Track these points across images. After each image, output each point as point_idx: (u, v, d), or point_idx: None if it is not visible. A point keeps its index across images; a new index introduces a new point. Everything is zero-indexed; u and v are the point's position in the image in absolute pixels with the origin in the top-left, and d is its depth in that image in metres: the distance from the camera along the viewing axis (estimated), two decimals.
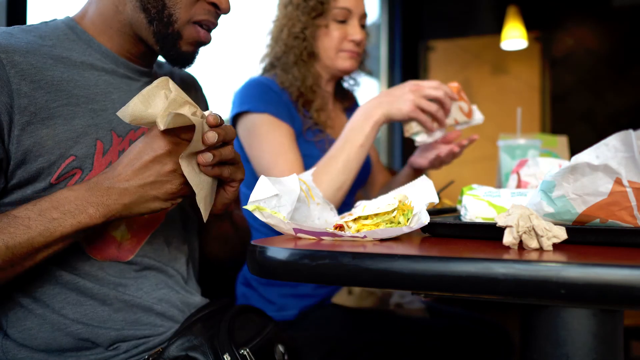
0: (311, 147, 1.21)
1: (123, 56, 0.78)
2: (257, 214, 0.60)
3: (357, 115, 1.02)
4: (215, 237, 0.92)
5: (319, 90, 1.26)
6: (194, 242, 0.91)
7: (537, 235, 0.48)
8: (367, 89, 3.41)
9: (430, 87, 1.01)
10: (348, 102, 1.42)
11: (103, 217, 0.63)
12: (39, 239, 0.61)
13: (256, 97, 1.15)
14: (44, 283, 0.69)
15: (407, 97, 0.99)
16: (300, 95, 1.21)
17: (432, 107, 1.01)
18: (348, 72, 1.28)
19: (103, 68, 0.75)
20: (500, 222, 0.49)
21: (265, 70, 1.28)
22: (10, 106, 0.63)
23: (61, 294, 0.70)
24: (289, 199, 0.62)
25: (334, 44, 1.22)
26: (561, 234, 0.48)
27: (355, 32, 1.22)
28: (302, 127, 1.21)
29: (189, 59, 0.79)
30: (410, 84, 1.01)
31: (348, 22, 1.23)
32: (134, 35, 0.76)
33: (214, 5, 0.77)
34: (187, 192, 0.66)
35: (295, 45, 1.21)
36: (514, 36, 3.16)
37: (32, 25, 0.74)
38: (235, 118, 1.19)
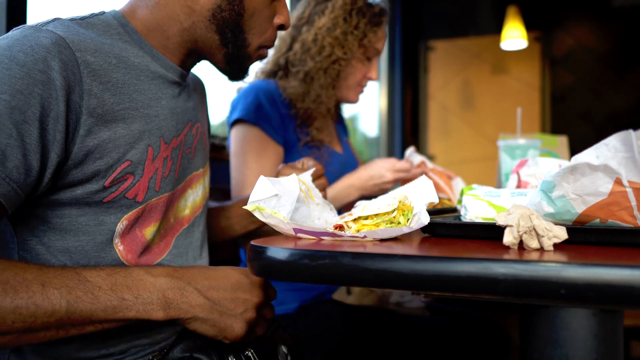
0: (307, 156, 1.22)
1: (172, 61, 0.77)
2: (257, 214, 0.59)
3: (356, 184, 1.24)
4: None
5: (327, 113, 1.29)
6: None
7: (537, 235, 0.48)
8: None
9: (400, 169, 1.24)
10: (336, 114, 1.47)
11: (169, 317, 0.62)
12: (100, 313, 0.58)
13: (251, 106, 1.16)
14: None
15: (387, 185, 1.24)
16: (307, 112, 1.22)
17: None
18: (351, 104, 1.36)
19: (154, 72, 0.74)
20: (500, 222, 0.49)
21: (270, 72, 1.28)
22: (79, 106, 0.62)
23: None
24: (289, 199, 0.62)
25: (358, 78, 1.30)
26: (562, 234, 0.48)
27: (375, 73, 1.32)
28: (298, 142, 1.22)
29: (247, 73, 0.84)
30: (388, 169, 1.23)
31: (372, 61, 1.30)
32: (193, 49, 0.76)
33: (280, 27, 0.81)
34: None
35: (334, 68, 1.22)
36: (514, 36, 3.16)
37: (86, 18, 0.70)
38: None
